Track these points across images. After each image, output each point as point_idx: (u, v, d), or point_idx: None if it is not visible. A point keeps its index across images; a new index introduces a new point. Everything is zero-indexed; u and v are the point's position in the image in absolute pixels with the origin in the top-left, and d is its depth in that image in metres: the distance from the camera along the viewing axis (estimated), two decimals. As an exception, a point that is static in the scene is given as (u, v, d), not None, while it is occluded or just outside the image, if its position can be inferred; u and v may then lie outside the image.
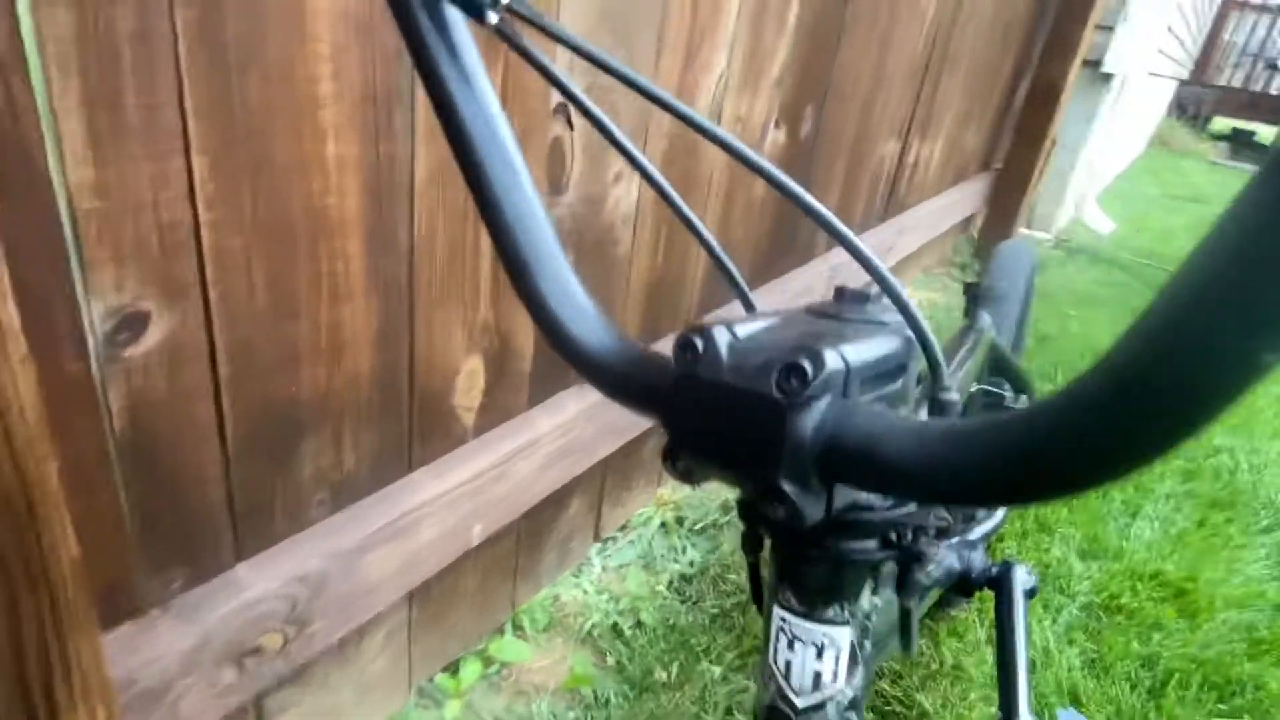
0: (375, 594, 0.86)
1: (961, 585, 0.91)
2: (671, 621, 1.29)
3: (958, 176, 2.83)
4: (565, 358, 0.35)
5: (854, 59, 1.61)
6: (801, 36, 1.36)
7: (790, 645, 0.37)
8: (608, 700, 1.14)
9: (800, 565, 0.36)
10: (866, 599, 0.36)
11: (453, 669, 1.14)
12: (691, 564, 1.42)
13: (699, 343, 0.29)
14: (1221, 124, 9.49)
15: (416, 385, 0.85)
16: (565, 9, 0.86)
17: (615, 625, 1.27)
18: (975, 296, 0.95)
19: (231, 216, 0.62)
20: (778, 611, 0.37)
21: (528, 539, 1.16)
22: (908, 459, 0.25)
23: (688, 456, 0.30)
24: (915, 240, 2.46)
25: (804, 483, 0.27)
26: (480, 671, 1.14)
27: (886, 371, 0.31)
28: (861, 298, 0.34)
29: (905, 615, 0.39)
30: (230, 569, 0.73)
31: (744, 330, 0.31)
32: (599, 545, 1.40)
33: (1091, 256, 3.47)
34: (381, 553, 0.84)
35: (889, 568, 0.37)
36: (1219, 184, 6.26)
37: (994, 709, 0.88)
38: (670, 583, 1.37)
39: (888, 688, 1.20)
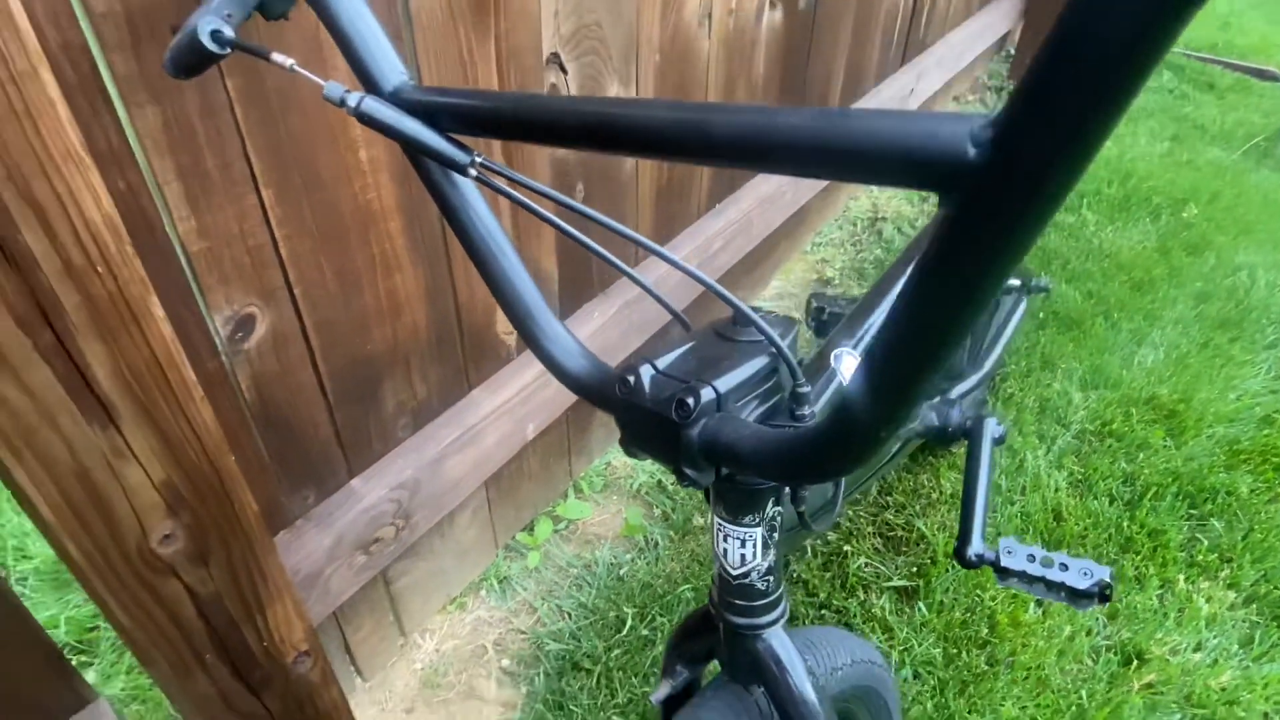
0: (458, 487, 1.09)
1: (940, 437, 1.08)
2: (707, 476, 1.52)
3: (988, -5, 2.68)
4: (558, 379, 0.52)
5: (852, -88, 1.56)
6: (789, -90, 1.35)
7: (725, 539, 0.56)
8: (656, 543, 1.40)
9: (723, 492, 0.54)
10: (770, 508, 0.54)
11: (529, 528, 1.40)
12: (723, 425, 1.63)
13: (631, 380, 0.46)
14: None
15: (464, 325, 1.03)
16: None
17: (659, 483, 1.51)
18: None
19: (299, 229, 0.78)
20: (715, 519, 0.56)
21: (575, 425, 1.38)
22: (755, 455, 0.41)
23: (632, 446, 0.47)
24: (939, 79, 2.41)
25: (697, 467, 0.44)
26: (552, 528, 1.41)
27: (759, 379, 0.47)
28: (747, 320, 0.49)
29: (800, 515, 0.57)
30: (347, 484, 0.97)
31: (664, 362, 0.47)
32: (641, 417, 1.62)
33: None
34: (458, 458, 1.06)
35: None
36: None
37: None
38: (705, 443, 1.59)
39: (892, 517, 1.41)
